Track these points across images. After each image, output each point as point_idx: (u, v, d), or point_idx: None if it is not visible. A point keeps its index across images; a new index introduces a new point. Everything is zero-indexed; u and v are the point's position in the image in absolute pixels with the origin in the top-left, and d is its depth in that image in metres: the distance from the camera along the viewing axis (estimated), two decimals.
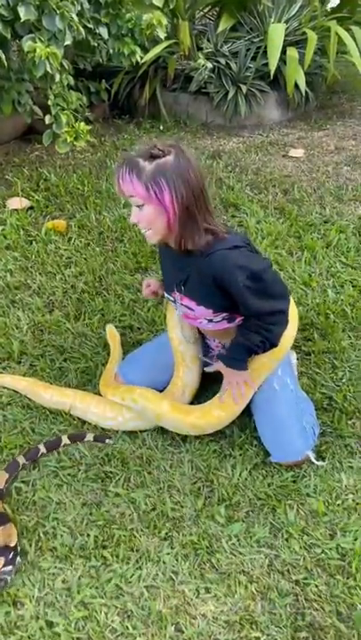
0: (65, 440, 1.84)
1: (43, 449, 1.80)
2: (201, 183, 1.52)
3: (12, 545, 1.49)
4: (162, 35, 2.96)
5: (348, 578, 1.48)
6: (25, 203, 3.13)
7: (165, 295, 1.83)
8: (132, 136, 4.30)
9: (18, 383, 2.02)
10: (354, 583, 1.46)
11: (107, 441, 1.84)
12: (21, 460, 1.75)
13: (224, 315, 1.71)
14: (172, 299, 1.79)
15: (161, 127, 4.49)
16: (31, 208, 3.13)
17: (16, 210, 3.09)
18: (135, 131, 4.42)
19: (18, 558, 1.49)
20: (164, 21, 2.91)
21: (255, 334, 1.66)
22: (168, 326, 1.98)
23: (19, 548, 1.51)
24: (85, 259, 2.73)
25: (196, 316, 1.75)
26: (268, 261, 1.67)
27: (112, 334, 2.21)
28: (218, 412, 1.78)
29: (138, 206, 1.52)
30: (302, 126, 4.55)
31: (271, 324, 1.65)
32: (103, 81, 4.40)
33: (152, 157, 1.47)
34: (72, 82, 3.07)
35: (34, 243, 2.83)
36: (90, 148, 3.97)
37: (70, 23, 2.68)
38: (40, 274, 2.63)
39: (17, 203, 3.13)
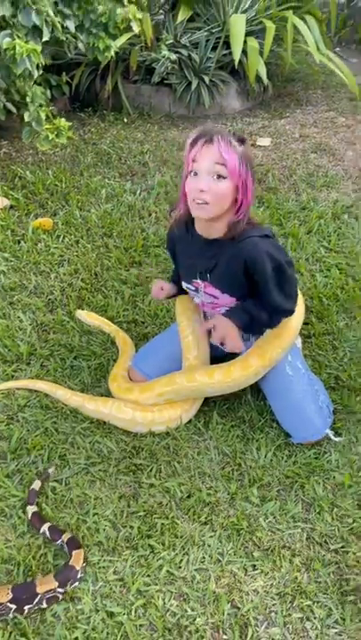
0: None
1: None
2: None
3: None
4: (136, 29, 2.96)
5: None
6: (5, 202, 3.08)
7: (184, 285, 1.86)
8: (98, 129, 4.27)
9: (71, 398, 1.97)
10: None
11: (50, 471, 1.75)
12: None
13: None
14: (192, 288, 1.83)
15: (125, 119, 4.48)
16: (12, 207, 3.09)
17: None
18: (100, 124, 4.39)
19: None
20: (139, 15, 2.92)
21: (264, 312, 1.73)
22: (177, 312, 2.03)
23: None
24: (77, 256, 2.72)
25: (218, 304, 1.80)
26: (291, 259, 1.75)
27: (92, 317, 2.26)
28: (255, 362, 1.82)
29: (218, 177, 1.54)
30: (263, 115, 4.65)
31: (275, 317, 1.76)
32: (64, 74, 4.33)
33: (240, 141, 1.56)
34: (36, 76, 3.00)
35: (22, 242, 2.80)
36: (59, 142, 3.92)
37: (46, 19, 2.65)
38: (34, 274, 2.61)
39: None
